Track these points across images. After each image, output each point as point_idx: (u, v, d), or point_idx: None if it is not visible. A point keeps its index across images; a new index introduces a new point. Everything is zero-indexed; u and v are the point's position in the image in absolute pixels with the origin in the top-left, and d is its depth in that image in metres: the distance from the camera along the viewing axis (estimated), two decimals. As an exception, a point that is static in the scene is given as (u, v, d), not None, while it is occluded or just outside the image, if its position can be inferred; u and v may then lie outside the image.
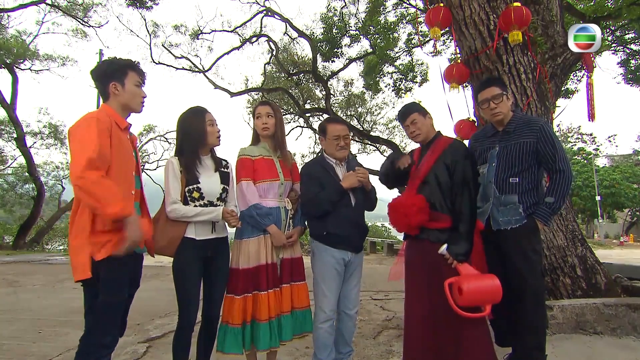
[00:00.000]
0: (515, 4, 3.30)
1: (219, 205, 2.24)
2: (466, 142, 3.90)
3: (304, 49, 15.59)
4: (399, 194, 2.44)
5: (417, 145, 2.47)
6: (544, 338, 2.29)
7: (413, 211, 2.16)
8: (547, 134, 2.29)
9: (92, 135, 1.67)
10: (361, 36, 13.01)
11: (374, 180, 2.62)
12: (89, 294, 1.78)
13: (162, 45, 14.81)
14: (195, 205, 2.18)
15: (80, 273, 1.69)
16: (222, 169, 2.33)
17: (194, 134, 2.23)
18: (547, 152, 2.27)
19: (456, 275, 2.06)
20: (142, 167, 2.19)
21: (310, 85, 16.38)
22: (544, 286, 2.45)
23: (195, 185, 2.18)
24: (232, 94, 15.29)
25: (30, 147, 16.81)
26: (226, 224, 2.26)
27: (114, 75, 1.89)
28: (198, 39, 14.86)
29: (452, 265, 2.08)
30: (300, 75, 15.74)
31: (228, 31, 14.85)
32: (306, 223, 2.54)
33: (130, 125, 1.98)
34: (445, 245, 2.11)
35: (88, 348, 1.72)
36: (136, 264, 1.96)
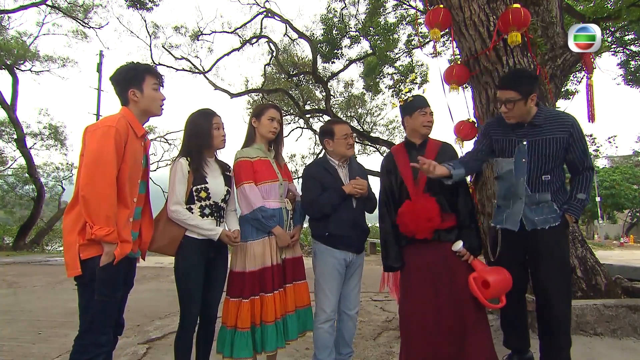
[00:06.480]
0: (515, 5, 3.30)
1: (223, 206, 2.26)
2: (466, 143, 3.91)
3: (304, 50, 15.66)
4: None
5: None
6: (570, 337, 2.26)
7: (434, 214, 2.15)
8: (580, 131, 2.20)
9: (110, 149, 1.71)
10: (361, 37, 13.04)
11: (373, 180, 2.63)
12: (84, 293, 1.76)
13: (163, 47, 14.86)
14: (202, 205, 2.18)
15: (71, 269, 1.71)
16: (226, 173, 2.35)
17: (200, 135, 2.24)
18: (579, 149, 2.20)
19: (468, 271, 2.11)
20: (150, 171, 2.18)
21: (310, 86, 16.41)
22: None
23: (203, 185, 2.18)
24: (232, 95, 15.33)
25: (30, 148, 16.86)
26: (225, 223, 2.27)
27: (132, 82, 1.89)
28: (198, 40, 14.91)
29: (469, 261, 2.13)
30: (301, 77, 15.77)
31: (228, 32, 14.90)
32: (306, 224, 2.56)
33: (147, 132, 1.99)
34: (461, 242, 2.14)
35: (84, 348, 1.72)
36: (130, 266, 1.96)
